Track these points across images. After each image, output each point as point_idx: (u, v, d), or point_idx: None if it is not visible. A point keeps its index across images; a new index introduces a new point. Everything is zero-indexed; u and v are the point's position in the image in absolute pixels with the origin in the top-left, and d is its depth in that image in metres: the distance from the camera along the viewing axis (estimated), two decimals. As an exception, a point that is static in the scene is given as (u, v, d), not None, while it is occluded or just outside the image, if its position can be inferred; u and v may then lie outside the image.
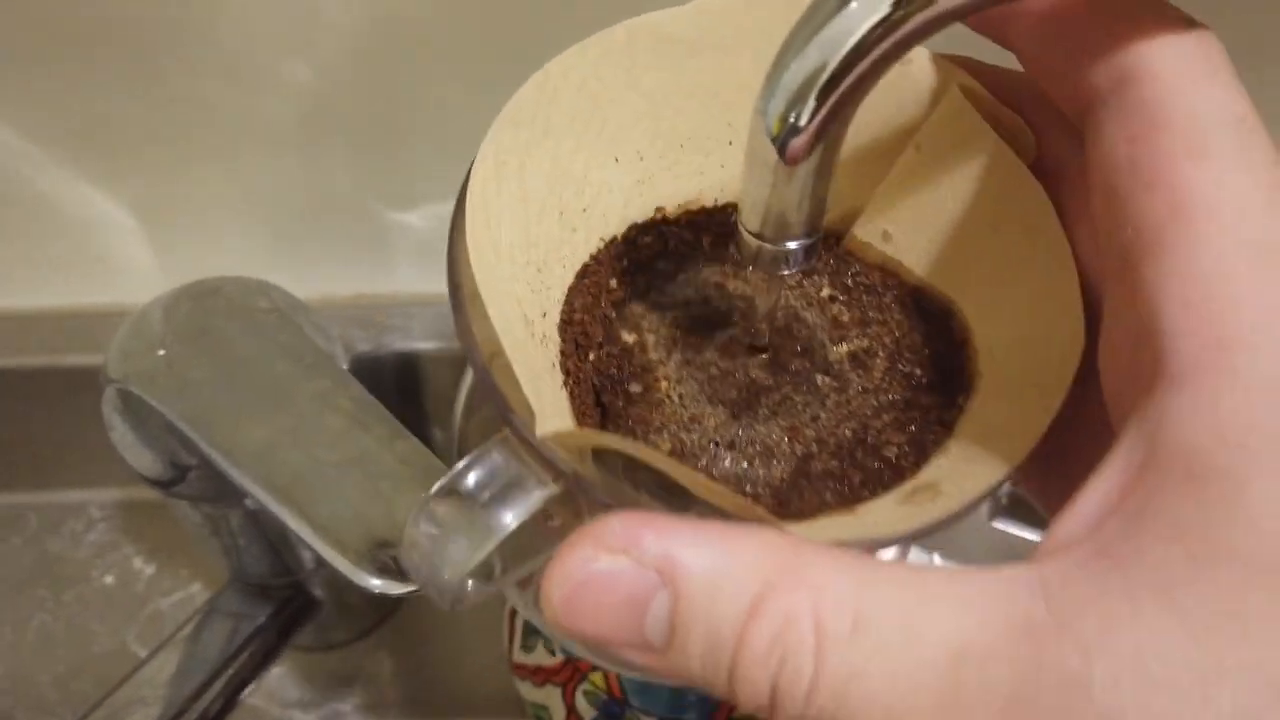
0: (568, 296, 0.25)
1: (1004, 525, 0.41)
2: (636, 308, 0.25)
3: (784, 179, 0.20)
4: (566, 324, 0.24)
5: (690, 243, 0.27)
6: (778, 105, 0.20)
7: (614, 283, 0.26)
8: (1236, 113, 0.15)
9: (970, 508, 0.19)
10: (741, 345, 0.25)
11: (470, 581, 0.25)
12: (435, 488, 0.22)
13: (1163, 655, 0.13)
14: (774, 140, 0.20)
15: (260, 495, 0.31)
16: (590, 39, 0.25)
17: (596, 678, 0.38)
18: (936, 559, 0.50)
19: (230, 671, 0.40)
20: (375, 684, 0.47)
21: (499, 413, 0.21)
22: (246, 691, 0.40)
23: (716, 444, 0.24)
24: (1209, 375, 0.14)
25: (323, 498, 0.31)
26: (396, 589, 0.29)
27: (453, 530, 0.22)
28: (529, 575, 0.29)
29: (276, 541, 0.41)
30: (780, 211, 0.22)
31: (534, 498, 0.21)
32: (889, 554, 0.36)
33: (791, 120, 0.20)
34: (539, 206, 0.25)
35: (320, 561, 0.32)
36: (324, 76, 0.41)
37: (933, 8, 0.18)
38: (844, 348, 0.25)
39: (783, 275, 0.23)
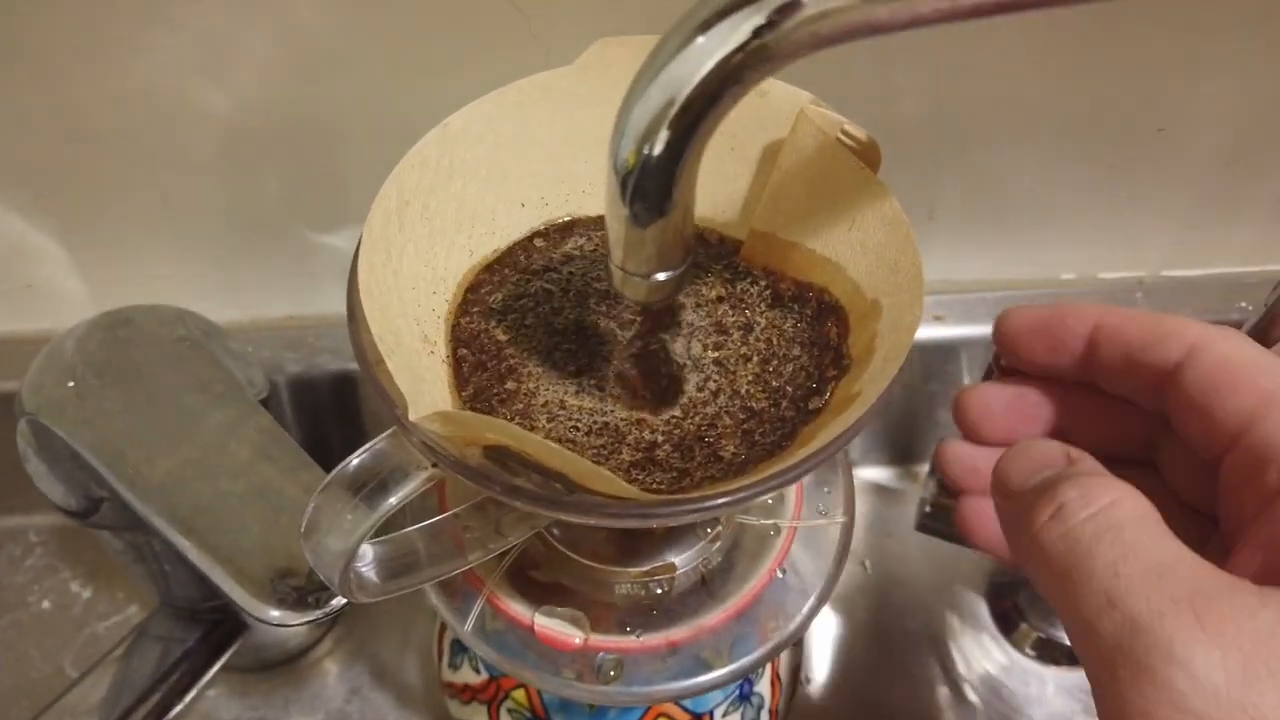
0: (465, 322, 0.27)
1: (926, 534, 0.43)
2: (532, 331, 0.27)
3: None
4: (465, 345, 0.26)
5: (595, 277, 0.28)
6: (629, 143, 0.20)
7: (509, 310, 0.27)
8: (1274, 349, 0.22)
9: (814, 458, 0.22)
10: (623, 356, 0.26)
11: (371, 571, 0.26)
12: (325, 480, 0.23)
13: None
14: (626, 176, 0.21)
15: (161, 527, 0.31)
16: (485, 97, 0.27)
17: (519, 695, 0.38)
18: (867, 565, 0.51)
19: (158, 695, 0.40)
20: (310, 704, 0.47)
21: (384, 408, 0.22)
22: (174, 713, 0.40)
23: (595, 428, 0.25)
24: None
25: (225, 528, 0.31)
26: (295, 619, 0.29)
27: (336, 514, 0.23)
28: (447, 578, 0.30)
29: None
30: (640, 246, 0.22)
31: (415, 480, 0.23)
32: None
33: (645, 153, 0.20)
34: (447, 243, 0.27)
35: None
36: (242, 103, 0.41)
37: (771, 50, 0.18)
38: (723, 339, 0.27)
39: (651, 305, 0.24)
